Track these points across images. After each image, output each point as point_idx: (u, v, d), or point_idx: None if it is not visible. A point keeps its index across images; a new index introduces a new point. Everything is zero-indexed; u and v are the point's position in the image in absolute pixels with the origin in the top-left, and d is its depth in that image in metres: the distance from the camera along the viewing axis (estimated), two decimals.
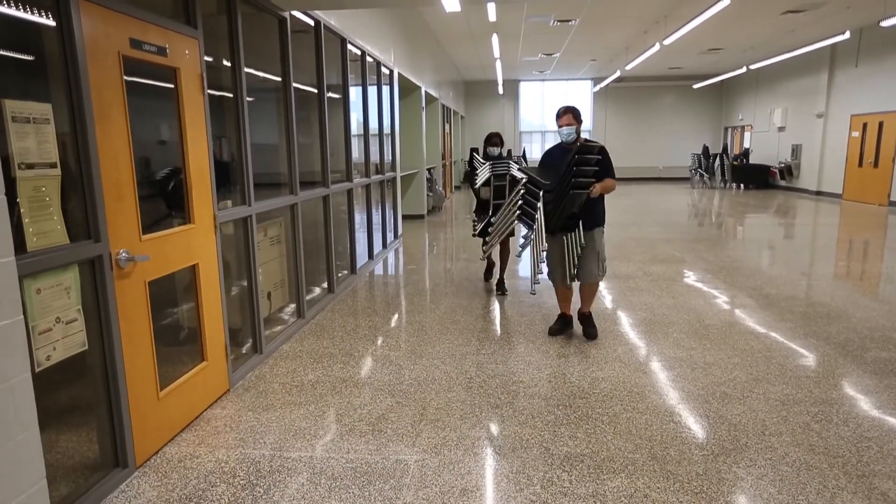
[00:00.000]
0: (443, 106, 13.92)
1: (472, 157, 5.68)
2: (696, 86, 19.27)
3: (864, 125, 13.09)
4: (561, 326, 4.40)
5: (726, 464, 2.59)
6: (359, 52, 6.51)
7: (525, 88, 21.32)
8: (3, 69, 2.05)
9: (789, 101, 16.18)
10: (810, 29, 12.12)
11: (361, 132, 6.89)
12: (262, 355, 3.91)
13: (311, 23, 5.00)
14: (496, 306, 5.21)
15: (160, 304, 2.85)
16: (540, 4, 10.02)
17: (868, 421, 2.96)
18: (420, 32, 10.72)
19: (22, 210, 2.00)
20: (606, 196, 4.15)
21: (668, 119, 21.07)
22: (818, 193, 14.88)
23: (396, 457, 2.69)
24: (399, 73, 8.67)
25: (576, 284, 4.28)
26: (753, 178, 17.30)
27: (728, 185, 17.86)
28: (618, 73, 16.97)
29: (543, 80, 20.92)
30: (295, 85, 4.50)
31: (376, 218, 7.48)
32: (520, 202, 4.31)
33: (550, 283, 4.40)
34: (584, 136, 4.32)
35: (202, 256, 3.15)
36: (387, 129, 7.97)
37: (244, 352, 3.80)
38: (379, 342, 4.30)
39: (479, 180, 5.29)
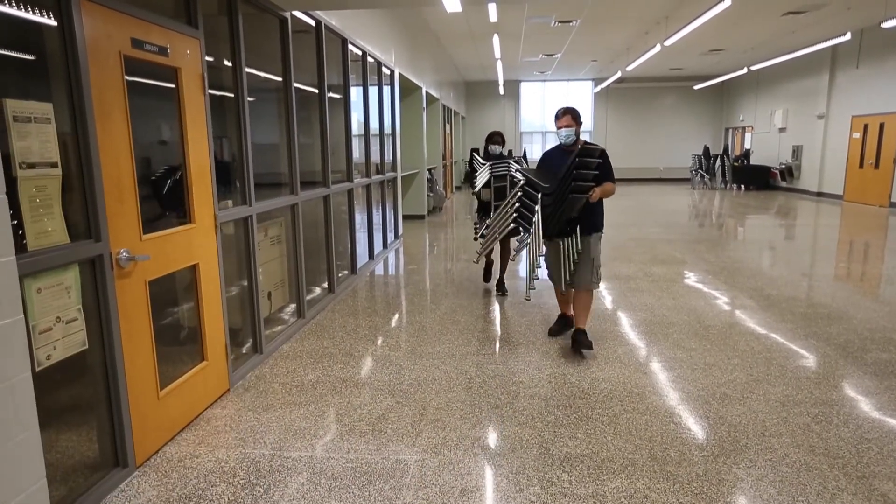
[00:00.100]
0: (443, 106, 13.92)
1: (472, 157, 5.64)
2: (696, 87, 19.28)
3: (865, 126, 13.09)
4: (561, 327, 4.39)
5: (726, 465, 2.59)
6: (360, 53, 6.52)
7: (526, 89, 21.33)
8: (5, 69, 2.05)
9: (790, 102, 16.17)
10: (811, 30, 12.12)
11: (362, 132, 6.89)
12: (263, 355, 3.91)
13: (312, 23, 5.01)
14: (496, 307, 5.21)
15: (160, 303, 2.85)
16: (541, 5, 10.02)
17: (868, 422, 2.96)
18: (421, 33, 10.73)
19: (23, 209, 2.01)
20: (606, 199, 4.11)
21: (668, 120, 21.07)
22: (819, 194, 14.87)
23: (396, 457, 2.69)
24: (400, 74, 8.67)
25: None
26: (754, 179, 17.29)
27: (729, 186, 17.86)
28: (619, 74, 16.99)
29: (544, 80, 20.93)
30: (296, 85, 4.50)
31: (377, 218, 7.48)
32: (516, 204, 4.22)
33: (551, 283, 4.39)
34: (583, 137, 4.26)
35: (202, 256, 3.16)
36: (387, 130, 7.97)
37: (244, 352, 3.80)
38: (379, 342, 4.30)
39: (479, 182, 5.25)
